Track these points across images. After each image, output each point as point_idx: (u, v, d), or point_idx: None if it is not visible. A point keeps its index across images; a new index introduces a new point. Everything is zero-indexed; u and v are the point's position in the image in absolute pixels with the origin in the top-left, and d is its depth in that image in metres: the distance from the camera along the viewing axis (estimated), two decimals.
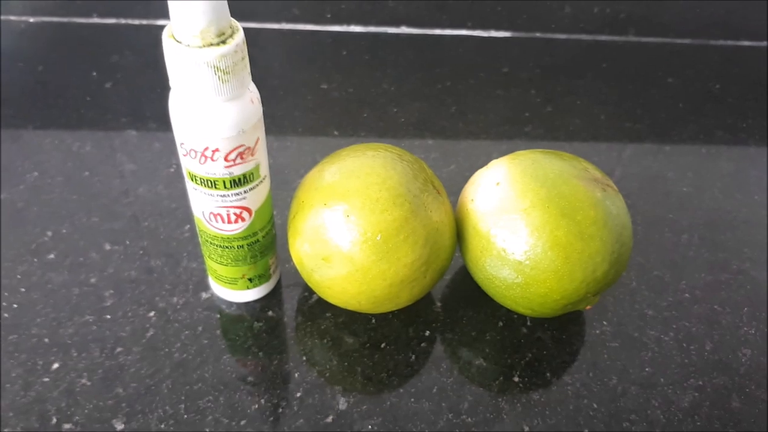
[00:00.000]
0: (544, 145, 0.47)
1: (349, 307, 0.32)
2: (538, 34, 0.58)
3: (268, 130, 0.46)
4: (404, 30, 0.57)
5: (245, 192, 0.29)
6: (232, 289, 0.34)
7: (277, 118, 0.48)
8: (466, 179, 0.38)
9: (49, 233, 0.39)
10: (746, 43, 0.60)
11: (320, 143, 0.46)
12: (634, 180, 0.45)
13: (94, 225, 0.39)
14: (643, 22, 0.58)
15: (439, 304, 0.36)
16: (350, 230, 0.29)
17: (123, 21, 0.55)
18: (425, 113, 0.49)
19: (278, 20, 0.56)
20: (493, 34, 0.58)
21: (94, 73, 0.50)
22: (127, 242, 0.38)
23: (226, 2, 0.24)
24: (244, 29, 0.54)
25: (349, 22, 0.57)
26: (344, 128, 0.47)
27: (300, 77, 0.52)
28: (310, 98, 0.50)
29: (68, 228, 0.39)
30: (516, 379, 0.33)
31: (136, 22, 0.55)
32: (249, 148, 0.28)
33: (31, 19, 0.55)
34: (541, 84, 0.53)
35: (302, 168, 0.44)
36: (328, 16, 0.56)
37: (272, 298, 0.36)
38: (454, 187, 0.41)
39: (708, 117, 0.52)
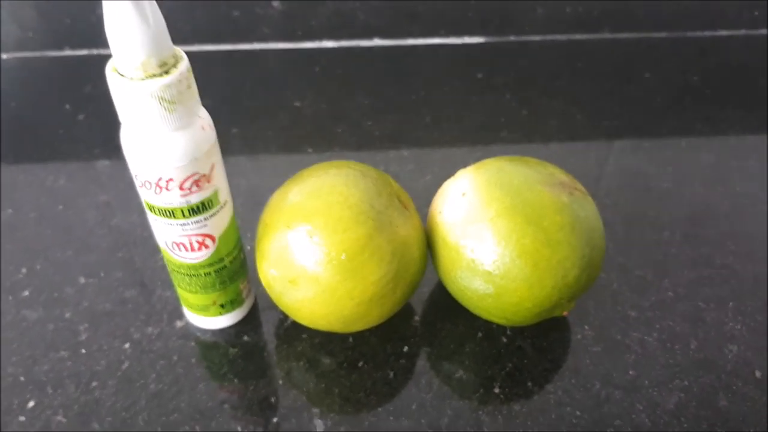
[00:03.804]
0: (521, 149, 0.47)
1: (321, 328, 0.32)
2: (511, 38, 0.58)
3: (241, 151, 0.46)
4: (377, 42, 0.57)
5: (205, 219, 0.29)
6: (204, 316, 0.34)
7: (250, 139, 0.47)
8: None
9: (24, 270, 0.38)
10: (723, 32, 0.60)
11: (294, 162, 0.46)
12: (613, 178, 0.45)
13: (69, 259, 0.39)
14: (617, 19, 0.58)
15: (417, 317, 0.36)
16: (314, 251, 0.29)
17: (95, 51, 0.55)
18: (400, 125, 0.49)
19: (249, 40, 0.56)
20: (467, 40, 0.58)
21: (67, 106, 0.50)
22: (102, 274, 0.38)
23: (166, 32, 0.24)
24: (215, 52, 0.54)
25: (320, 38, 0.57)
26: (318, 145, 0.47)
27: (272, 96, 0.52)
28: (283, 116, 0.50)
29: (43, 264, 0.39)
30: (497, 390, 0.33)
31: (108, 51, 0.55)
32: (204, 175, 0.27)
33: (4, 56, 0.55)
34: (516, 88, 0.53)
35: (276, 188, 0.43)
36: (299, 33, 0.56)
37: (248, 323, 0.36)
38: (430, 198, 0.40)
39: (687, 110, 0.51)
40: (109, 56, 0.25)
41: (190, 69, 0.25)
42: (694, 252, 0.40)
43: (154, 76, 0.24)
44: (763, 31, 0.60)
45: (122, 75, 0.24)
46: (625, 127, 0.49)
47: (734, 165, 0.46)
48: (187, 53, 0.25)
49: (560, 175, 0.32)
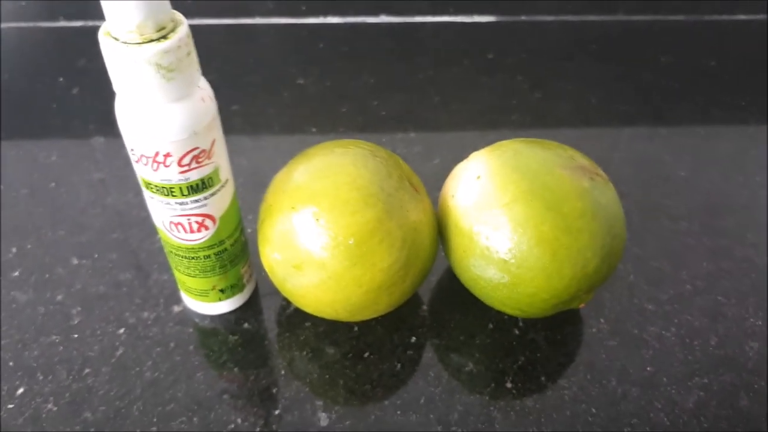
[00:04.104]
0: (532, 133, 0.45)
1: (326, 316, 0.30)
2: (523, 17, 0.56)
3: (243, 130, 0.44)
4: (384, 19, 0.55)
5: (205, 198, 0.27)
6: (203, 302, 0.32)
7: (252, 117, 0.45)
8: None
9: (14, 249, 0.37)
10: (742, 17, 0.58)
11: (297, 141, 0.44)
12: (628, 166, 0.43)
13: (61, 239, 0.37)
14: (632, 0, 0.56)
15: (425, 307, 0.34)
16: (320, 235, 0.27)
17: (90, 23, 0.53)
18: (407, 105, 0.47)
19: (252, 15, 0.54)
20: (477, 19, 0.56)
21: (61, 79, 0.48)
22: (96, 255, 0.36)
23: None
24: (217, 26, 0.52)
25: (325, 14, 0.55)
26: (322, 125, 0.45)
27: (275, 73, 0.50)
28: (286, 94, 0.48)
29: (34, 243, 0.37)
30: (509, 385, 0.31)
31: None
32: (204, 150, 0.26)
33: None
34: (527, 69, 0.51)
35: (278, 168, 0.41)
36: (304, 8, 0.54)
37: (248, 309, 0.34)
38: (438, 183, 0.39)
39: (704, 96, 0.49)
40: None
41: (190, 35, 0.23)
42: (713, 243, 0.38)
43: (151, 40, 0.22)
44: None
45: (116, 39, 0.22)
46: (640, 112, 0.47)
47: (754, 154, 0.44)
48: (190, 28, 0.24)
49: (580, 159, 0.30)
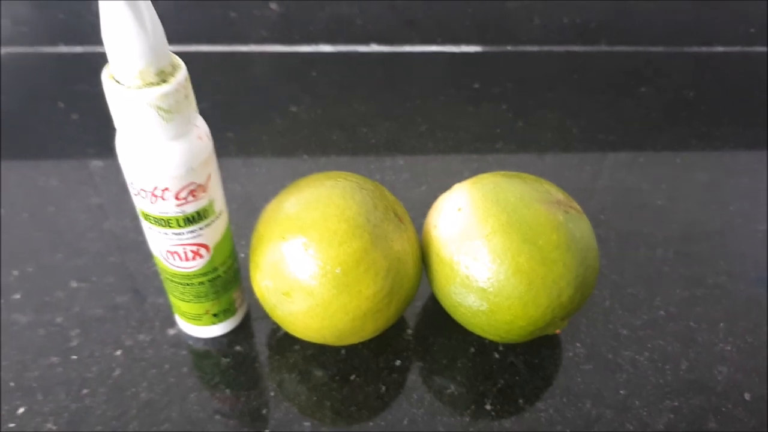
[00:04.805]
0: (515, 160, 0.47)
1: (315, 341, 0.32)
2: (509, 48, 0.58)
3: (236, 155, 0.46)
4: (374, 48, 0.57)
5: (200, 229, 0.29)
6: (197, 325, 0.34)
7: (245, 144, 0.47)
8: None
9: (15, 273, 0.38)
10: (720, 48, 0.60)
11: (290, 168, 0.45)
12: (607, 194, 0.45)
13: (60, 262, 0.39)
14: (614, 31, 0.58)
15: (410, 331, 0.36)
16: (309, 264, 0.29)
17: (90, 49, 0.55)
18: (395, 133, 0.49)
19: (246, 42, 0.56)
20: (464, 49, 0.58)
21: (61, 104, 0.50)
22: (94, 279, 0.38)
23: (165, 41, 0.24)
24: (211, 53, 0.54)
25: (317, 42, 0.56)
26: (313, 151, 0.47)
27: (268, 100, 0.51)
28: (279, 122, 0.49)
29: (33, 266, 0.38)
30: (488, 407, 0.32)
31: (104, 49, 0.55)
32: (200, 185, 0.27)
33: None
34: (512, 98, 0.53)
35: (270, 194, 0.43)
36: (296, 37, 0.56)
37: (240, 332, 0.35)
38: (424, 209, 0.40)
39: (681, 125, 0.51)
40: (104, 54, 0.24)
41: (188, 78, 0.25)
42: (687, 270, 0.40)
43: (152, 84, 0.24)
44: (759, 48, 0.60)
45: (119, 83, 0.24)
46: (620, 141, 0.49)
47: (728, 182, 0.46)
48: (183, 54, 0.25)
49: (557, 193, 0.32)
